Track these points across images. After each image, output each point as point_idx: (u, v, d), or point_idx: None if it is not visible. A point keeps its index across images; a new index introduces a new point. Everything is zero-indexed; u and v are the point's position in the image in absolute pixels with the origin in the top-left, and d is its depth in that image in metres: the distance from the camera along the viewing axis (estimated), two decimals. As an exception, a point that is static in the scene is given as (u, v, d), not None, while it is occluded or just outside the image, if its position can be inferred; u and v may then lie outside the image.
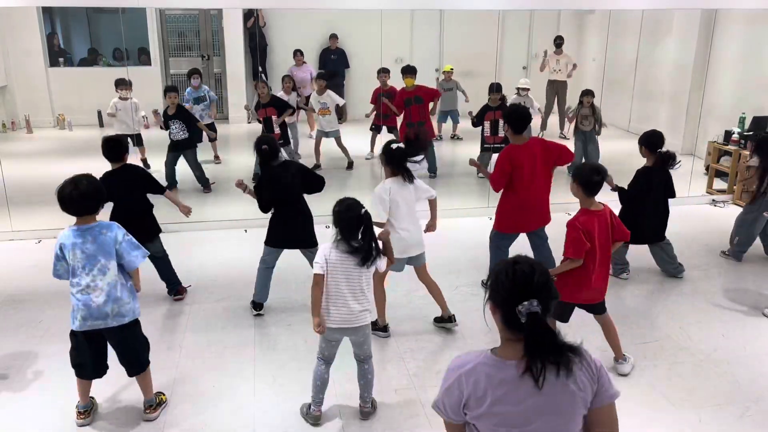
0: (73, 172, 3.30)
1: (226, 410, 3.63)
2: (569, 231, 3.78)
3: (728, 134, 7.75)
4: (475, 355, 1.83)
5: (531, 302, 1.70)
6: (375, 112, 8.55)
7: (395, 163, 4.17)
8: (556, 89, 10.30)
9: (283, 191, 4.53)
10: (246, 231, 6.41)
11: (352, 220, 3.25)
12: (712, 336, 4.48)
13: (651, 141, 5.13)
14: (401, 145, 4.19)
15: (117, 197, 4.52)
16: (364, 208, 3.32)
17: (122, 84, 7.85)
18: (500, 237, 5.01)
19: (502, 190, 4.85)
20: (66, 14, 12.88)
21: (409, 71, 8.03)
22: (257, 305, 4.74)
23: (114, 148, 4.54)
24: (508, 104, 7.78)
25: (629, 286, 5.27)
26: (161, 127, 7.51)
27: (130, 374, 3.50)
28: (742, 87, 8.64)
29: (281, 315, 4.73)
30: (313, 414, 3.51)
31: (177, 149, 7.52)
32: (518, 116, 4.76)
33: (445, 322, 4.53)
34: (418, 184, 4.31)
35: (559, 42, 10.17)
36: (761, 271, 5.60)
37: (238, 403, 3.69)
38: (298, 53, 9.78)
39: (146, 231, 4.66)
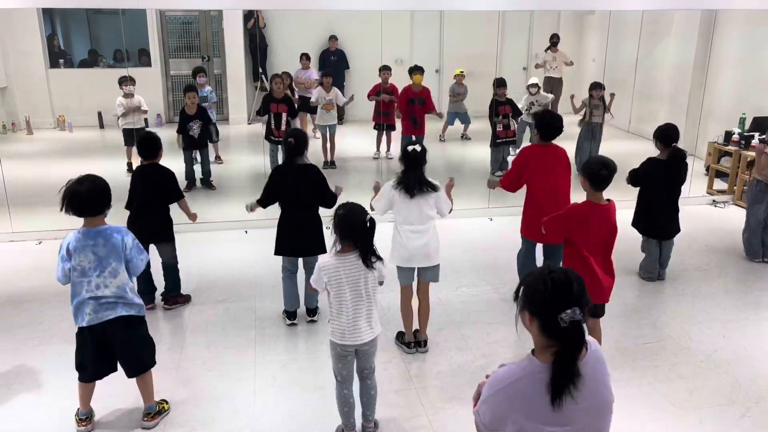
0: (73, 173, 3.29)
1: (226, 411, 3.62)
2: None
3: (728, 135, 7.75)
4: (519, 365, 1.84)
5: (574, 310, 1.73)
6: (375, 111, 8.63)
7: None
8: (552, 86, 10.41)
9: (292, 195, 4.39)
10: (246, 232, 6.41)
11: (356, 227, 3.10)
12: (713, 336, 4.48)
13: (665, 135, 5.14)
14: (416, 147, 4.08)
15: (139, 193, 4.56)
16: (368, 214, 3.15)
17: (125, 81, 7.86)
18: (525, 243, 4.86)
19: (523, 193, 4.77)
20: (66, 15, 12.86)
21: (418, 70, 8.26)
22: (290, 314, 4.59)
23: (148, 145, 4.55)
24: (519, 104, 8.26)
25: (630, 286, 5.27)
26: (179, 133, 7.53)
27: (129, 375, 3.43)
28: (742, 87, 8.63)
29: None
30: None
31: (191, 147, 7.57)
32: (548, 124, 4.61)
33: (405, 343, 4.25)
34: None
35: (555, 41, 10.45)
36: (761, 272, 5.59)
37: (239, 403, 3.69)
38: (303, 57, 9.74)
39: (159, 232, 4.65)
